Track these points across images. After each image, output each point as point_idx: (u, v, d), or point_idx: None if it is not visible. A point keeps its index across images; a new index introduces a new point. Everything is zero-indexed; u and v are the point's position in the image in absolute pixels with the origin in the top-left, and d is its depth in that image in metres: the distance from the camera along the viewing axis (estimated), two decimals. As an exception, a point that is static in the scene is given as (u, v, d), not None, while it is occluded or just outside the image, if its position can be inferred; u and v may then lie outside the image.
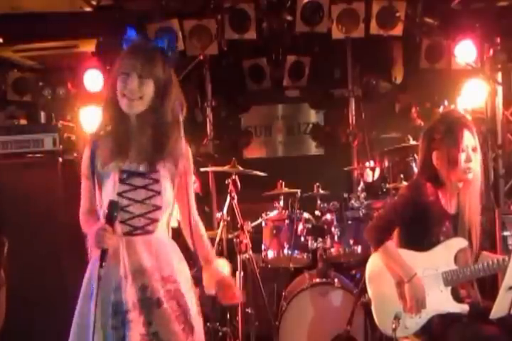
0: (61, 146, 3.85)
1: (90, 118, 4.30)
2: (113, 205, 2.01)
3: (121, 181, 2.09)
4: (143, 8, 4.38)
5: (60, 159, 3.81)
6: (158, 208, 2.10)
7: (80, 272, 3.77)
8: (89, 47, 4.59)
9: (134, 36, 2.19)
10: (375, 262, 2.78)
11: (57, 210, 3.72)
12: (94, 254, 2.13)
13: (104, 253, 1.99)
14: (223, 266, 2.28)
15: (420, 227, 2.67)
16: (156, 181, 2.10)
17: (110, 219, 2.00)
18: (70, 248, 3.72)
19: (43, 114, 4.72)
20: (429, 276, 2.65)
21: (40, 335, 3.62)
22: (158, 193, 2.09)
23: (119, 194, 2.07)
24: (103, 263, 1.98)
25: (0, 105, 4.96)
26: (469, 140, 2.64)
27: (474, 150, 2.65)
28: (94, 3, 4.09)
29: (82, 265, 3.80)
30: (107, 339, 2.00)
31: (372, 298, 2.77)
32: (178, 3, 4.45)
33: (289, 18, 4.72)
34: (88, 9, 4.16)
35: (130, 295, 2.03)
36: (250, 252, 3.66)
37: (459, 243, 2.68)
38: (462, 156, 2.62)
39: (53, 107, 4.82)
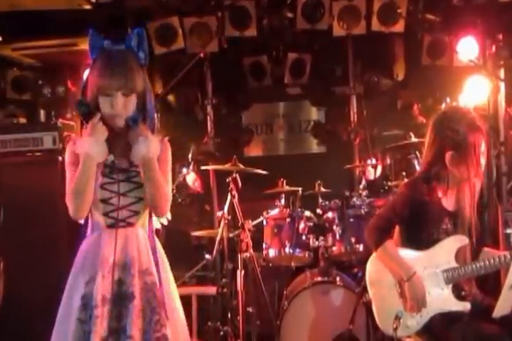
0: (61, 145, 3.83)
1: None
2: (77, 104, 2.05)
3: (104, 175, 2.12)
4: (143, 6, 4.36)
5: (60, 158, 3.77)
6: (140, 199, 2.13)
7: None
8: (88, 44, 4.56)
9: (97, 39, 2.14)
10: (375, 262, 2.77)
11: (57, 209, 3.68)
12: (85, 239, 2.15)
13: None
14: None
15: (419, 225, 2.66)
16: (138, 174, 2.13)
17: (86, 116, 2.05)
18: (70, 247, 3.71)
19: (42, 113, 4.70)
20: (429, 275, 2.63)
21: (37, 332, 3.59)
22: (140, 185, 2.12)
23: (101, 186, 2.10)
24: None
25: (-1, 104, 4.95)
26: (483, 146, 2.65)
27: (483, 154, 2.67)
28: (93, 0, 4.06)
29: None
30: (74, 331, 2.03)
31: (372, 298, 2.75)
32: (178, 0, 4.43)
33: (289, 15, 4.71)
34: (87, 7, 4.13)
35: (102, 289, 2.05)
36: (251, 251, 3.64)
37: (459, 240, 2.66)
38: (482, 161, 2.64)
39: (53, 106, 4.80)
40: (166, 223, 2.28)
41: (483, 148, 2.64)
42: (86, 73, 4.41)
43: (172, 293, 2.20)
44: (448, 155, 2.65)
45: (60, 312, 2.12)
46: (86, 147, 2.03)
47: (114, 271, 2.07)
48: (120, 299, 2.06)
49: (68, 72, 4.79)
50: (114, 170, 2.13)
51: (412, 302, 2.57)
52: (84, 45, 4.63)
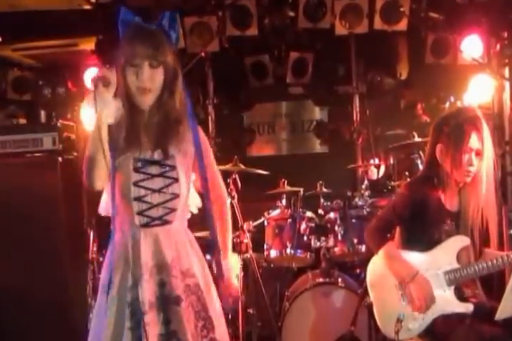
0: (61, 146, 3.81)
1: (91, 117, 4.26)
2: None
3: (136, 170, 2.01)
4: (143, 5, 4.33)
5: (60, 158, 3.77)
6: (176, 196, 2.01)
7: (81, 271, 3.77)
8: (88, 45, 4.57)
9: (129, 16, 2.07)
10: (376, 265, 2.74)
11: (56, 210, 3.69)
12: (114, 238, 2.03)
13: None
14: (234, 263, 2.21)
15: (420, 225, 2.63)
16: (173, 168, 2.01)
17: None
18: (71, 247, 3.70)
19: (43, 113, 4.69)
20: (431, 276, 2.59)
21: (38, 334, 3.58)
22: (176, 180, 2.01)
23: (135, 183, 1.99)
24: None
25: (0, 104, 4.94)
26: (475, 143, 2.57)
27: (478, 154, 2.58)
28: (93, 0, 4.05)
29: (82, 264, 3.79)
30: (122, 339, 1.93)
31: (374, 301, 2.73)
32: (179, -1, 4.42)
33: (291, 14, 4.68)
34: (87, 7, 4.12)
35: (148, 293, 1.95)
36: (251, 252, 3.61)
37: (461, 241, 2.62)
38: (464, 158, 2.56)
39: (53, 106, 4.79)
40: (196, 211, 2.16)
41: (473, 145, 2.56)
42: (87, 73, 4.43)
43: (213, 293, 2.08)
44: (437, 148, 2.63)
45: (101, 319, 1.99)
46: (93, 103, 1.93)
47: (155, 273, 1.97)
48: (165, 303, 1.96)
49: (68, 73, 4.78)
50: (146, 164, 2.01)
51: (421, 301, 2.54)
52: (84, 46, 4.63)
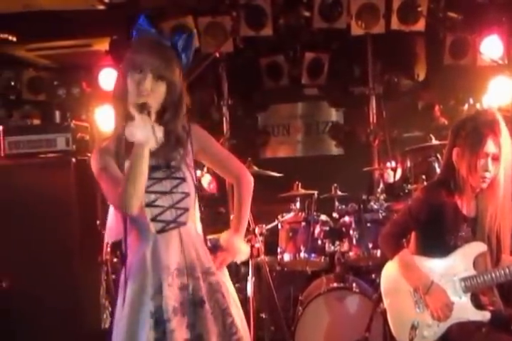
0: (74, 146, 3.81)
1: (106, 118, 4.26)
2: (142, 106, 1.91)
3: None
4: (157, 5, 4.32)
5: (73, 159, 3.76)
6: (187, 195, 2.03)
7: (94, 272, 3.76)
8: (102, 45, 4.57)
9: (146, 26, 2.04)
10: (390, 271, 2.70)
11: (70, 210, 3.69)
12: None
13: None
14: (243, 247, 2.19)
15: (436, 231, 2.57)
16: (178, 168, 2.04)
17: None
18: (83, 248, 3.70)
19: (57, 114, 4.69)
20: (447, 283, 2.55)
21: (51, 335, 3.58)
22: (184, 180, 2.03)
23: (145, 190, 1.96)
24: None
25: (15, 104, 4.96)
26: (491, 148, 2.50)
27: (495, 159, 2.51)
28: (106, 1, 4.04)
29: (94, 265, 3.78)
30: None
31: (388, 308, 2.69)
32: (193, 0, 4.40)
33: (306, 14, 4.63)
34: (101, 7, 4.11)
35: (172, 299, 1.94)
36: (263, 256, 3.57)
37: (477, 247, 2.57)
38: (480, 163, 2.50)
39: (68, 106, 4.80)
40: None
41: (490, 149, 2.49)
42: (101, 74, 4.43)
43: (231, 289, 2.10)
44: (454, 152, 2.58)
45: (125, 333, 1.95)
46: (137, 134, 1.87)
47: (177, 277, 1.97)
48: (189, 306, 1.96)
49: (83, 73, 4.78)
50: (151, 169, 1.98)
51: (437, 311, 2.51)
52: (98, 46, 4.63)
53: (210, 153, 2.18)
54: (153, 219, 1.99)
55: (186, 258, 2.00)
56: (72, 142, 3.82)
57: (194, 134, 2.10)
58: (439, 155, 3.77)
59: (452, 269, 2.55)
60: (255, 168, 3.79)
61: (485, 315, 2.51)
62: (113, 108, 2.10)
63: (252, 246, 3.45)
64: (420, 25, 4.55)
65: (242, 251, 2.18)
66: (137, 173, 1.90)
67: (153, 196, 1.99)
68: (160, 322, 1.92)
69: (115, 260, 3.63)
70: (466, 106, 4.54)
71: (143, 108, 1.90)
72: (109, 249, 3.84)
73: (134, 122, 1.88)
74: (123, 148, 2.00)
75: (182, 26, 4.53)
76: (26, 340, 3.61)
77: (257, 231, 3.54)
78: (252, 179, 2.27)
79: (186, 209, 2.03)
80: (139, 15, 2.06)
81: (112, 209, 2.15)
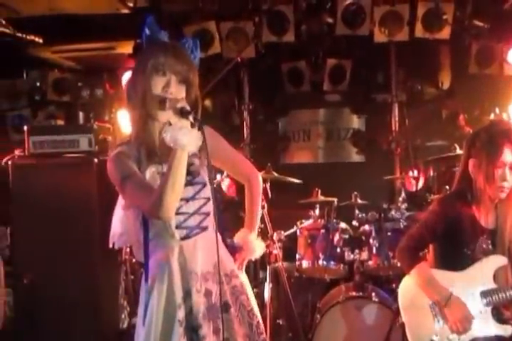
0: (96, 147, 3.83)
1: (128, 120, 4.27)
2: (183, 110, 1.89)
3: None
4: (180, 10, 4.34)
5: (95, 159, 3.77)
6: (208, 200, 2.03)
7: (113, 272, 3.76)
8: (126, 49, 4.60)
9: (155, 27, 2.04)
10: (407, 285, 2.66)
11: (91, 209, 3.70)
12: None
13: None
14: (257, 244, 2.22)
15: (454, 244, 2.54)
16: (197, 173, 2.03)
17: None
18: (104, 248, 3.69)
19: (81, 115, 4.73)
20: (466, 297, 2.50)
21: (71, 333, 3.60)
22: (204, 185, 2.03)
23: None
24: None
25: (40, 105, 5.01)
26: (508, 157, 2.47)
27: (505, 167, 2.48)
28: (130, 5, 4.06)
29: (114, 265, 3.79)
30: None
31: (406, 324, 2.64)
32: (216, 5, 4.40)
33: (329, 20, 4.60)
34: (125, 11, 4.14)
35: (200, 305, 1.95)
36: (280, 263, 3.54)
37: (497, 260, 2.53)
38: (497, 173, 2.46)
39: (91, 108, 4.83)
40: None
41: (507, 159, 2.46)
42: (124, 76, 4.45)
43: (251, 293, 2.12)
44: (470, 163, 2.55)
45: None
46: (181, 138, 1.84)
47: (204, 283, 1.98)
48: (216, 311, 1.96)
49: (106, 75, 4.82)
50: None
51: (457, 324, 2.46)
52: (122, 49, 4.66)
53: (223, 156, 2.17)
54: (178, 227, 1.99)
55: (210, 262, 2.00)
56: (95, 143, 3.83)
57: (206, 136, 2.07)
58: (462, 165, 3.71)
59: (472, 283, 2.51)
60: (275, 174, 3.76)
61: (507, 330, 2.47)
62: (130, 111, 2.07)
63: (270, 253, 3.43)
64: (445, 33, 4.51)
65: (258, 248, 2.21)
66: (177, 177, 1.88)
67: (177, 204, 1.98)
68: (189, 329, 1.93)
69: (134, 260, 3.65)
70: (491, 116, 4.46)
71: (183, 112, 1.89)
72: (128, 249, 3.86)
73: (175, 126, 1.86)
74: (144, 152, 1.99)
75: (204, 31, 4.55)
76: (47, 337, 3.62)
77: (275, 237, 3.52)
78: (261, 181, 2.28)
79: (208, 214, 2.03)
80: (146, 17, 2.06)
81: (120, 215, 2.12)
